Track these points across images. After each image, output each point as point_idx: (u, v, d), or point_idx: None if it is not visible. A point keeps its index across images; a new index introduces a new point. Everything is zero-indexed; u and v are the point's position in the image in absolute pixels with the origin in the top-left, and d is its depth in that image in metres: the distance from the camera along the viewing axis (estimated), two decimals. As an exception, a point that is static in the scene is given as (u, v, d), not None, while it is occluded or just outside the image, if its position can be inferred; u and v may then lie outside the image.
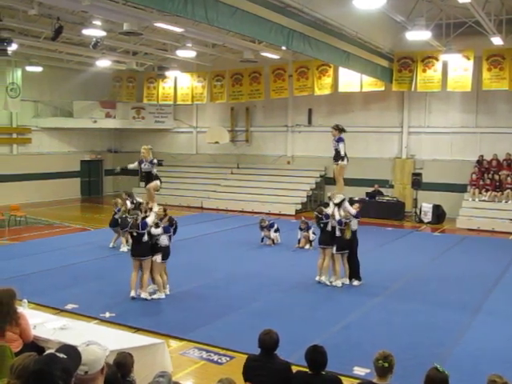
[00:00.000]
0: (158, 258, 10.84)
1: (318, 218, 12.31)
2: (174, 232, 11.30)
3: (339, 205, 12.09)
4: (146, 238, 10.76)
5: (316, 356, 4.88)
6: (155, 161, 12.22)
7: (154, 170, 12.21)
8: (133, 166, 12.35)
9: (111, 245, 15.83)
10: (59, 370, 2.85)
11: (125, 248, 15.27)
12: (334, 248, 11.96)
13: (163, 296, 10.97)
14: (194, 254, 15.12)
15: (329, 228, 12.10)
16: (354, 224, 12.15)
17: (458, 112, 22.79)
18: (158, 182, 12.25)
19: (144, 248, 10.82)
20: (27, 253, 15.06)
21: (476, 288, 12.04)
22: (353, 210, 12.10)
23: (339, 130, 12.17)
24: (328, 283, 12.06)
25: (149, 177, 12.25)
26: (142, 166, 12.06)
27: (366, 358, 5.72)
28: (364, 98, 24.16)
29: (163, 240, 10.86)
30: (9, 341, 5.78)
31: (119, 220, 15.43)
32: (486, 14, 15.84)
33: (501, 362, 7.61)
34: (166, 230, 10.95)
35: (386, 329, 9.31)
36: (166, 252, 10.92)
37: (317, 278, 12.17)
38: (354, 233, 12.16)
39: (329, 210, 12.16)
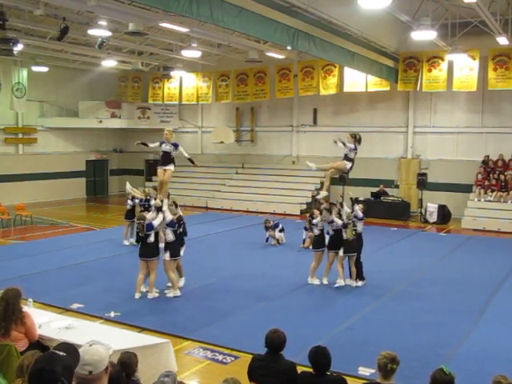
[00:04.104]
0: (166, 255, 10.89)
1: (309, 221, 12.41)
2: (185, 234, 11.40)
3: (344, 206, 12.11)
4: (151, 239, 10.80)
5: (319, 358, 4.87)
6: (178, 144, 11.79)
7: (174, 153, 11.70)
8: (153, 145, 12.03)
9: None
10: (60, 368, 2.88)
11: (126, 242, 15.96)
12: (341, 250, 11.90)
13: (179, 293, 11.03)
14: (198, 253, 15.10)
15: (316, 232, 12.21)
16: (360, 226, 12.15)
17: (464, 112, 22.71)
18: (172, 167, 11.81)
19: (150, 249, 10.88)
20: (32, 252, 15.11)
21: (481, 288, 12.00)
22: (360, 213, 12.06)
23: (356, 139, 11.92)
24: (317, 283, 12.10)
25: (166, 158, 11.71)
26: (164, 145, 11.66)
27: (370, 358, 5.71)
28: (369, 98, 24.12)
29: (168, 235, 10.89)
30: (14, 340, 5.81)
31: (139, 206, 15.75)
32: (492, 13, 15.77)
33: (506, 363, 7.58)
34: (170, 225, 10.97)
35: (390, 329, 9.30)
36: (173, 249, 10.94)
37: (308, 281, 12.20)
38: (359, 235, 12.15)
39: (330, 217, 12.11)
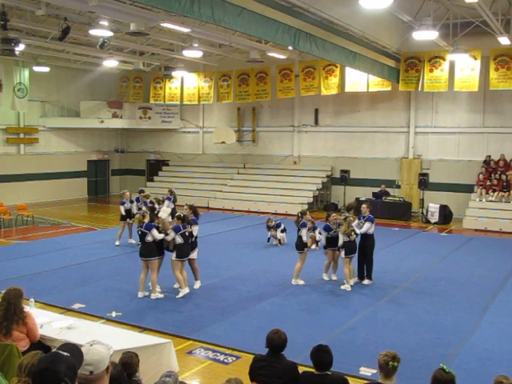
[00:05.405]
0: (173, 255, 11.02)
1: (298, 218, 12.31)
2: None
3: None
4: (149, 238, 10.81)
5: (321, 355, 4.86)
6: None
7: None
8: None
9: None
10: (64, 368, 2.88)
11: (117, 242, 16.19)
12: (343, 253, 11.90)
13: (187, 291, 11.13)
14: (200, 253, 15.06)
15: (300, 234, 12.21)
16: (372, 228, 12.26)
17: (465, 112, 22.70)
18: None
19: (148, 249, 10.90)
20: (34, 252, 15.12)
21: (483, 288, 12.00)
22: (357, 229, 12.07)
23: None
24: (301, 283, 12.10)
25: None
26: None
27: (372, 358, 5.70)
28: (371, 98, 24.12)
29: (176, 238, 10.96)
30: (16, 340, 5.81)
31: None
32: (493, 13, 15.76)
33: (508, 363, 7.58)
34: (175, 230, 11.01)
35: (392, 329, 9.29)
36: (180, 250, 11.00)
37: (292, 282, 12.18)
38: (371, 236, 12.32)
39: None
